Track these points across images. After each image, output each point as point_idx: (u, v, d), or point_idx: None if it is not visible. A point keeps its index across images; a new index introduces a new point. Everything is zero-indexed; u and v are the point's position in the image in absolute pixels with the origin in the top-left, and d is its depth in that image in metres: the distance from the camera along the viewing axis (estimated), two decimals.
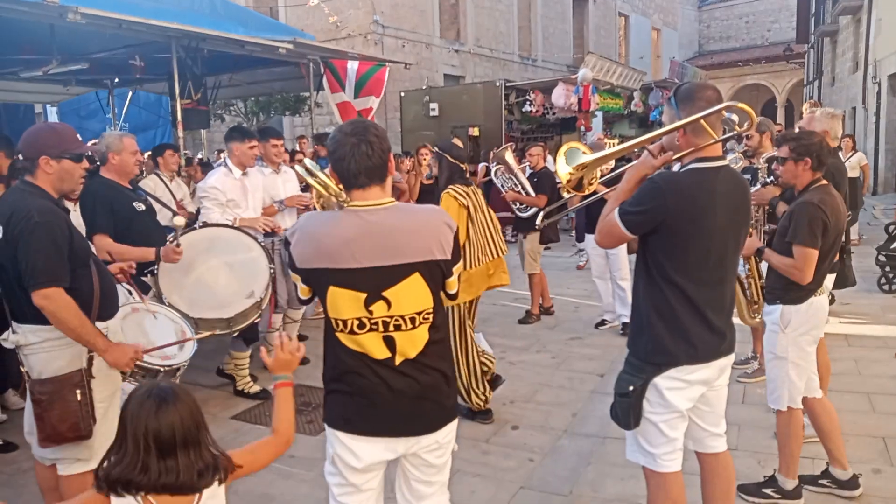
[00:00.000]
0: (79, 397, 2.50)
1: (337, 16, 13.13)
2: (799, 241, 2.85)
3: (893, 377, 4.59)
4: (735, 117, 2.35)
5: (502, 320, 6.39)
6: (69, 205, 3.36)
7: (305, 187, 4.67)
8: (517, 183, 6.12)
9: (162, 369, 2.92)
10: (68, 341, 2.54)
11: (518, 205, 6.13)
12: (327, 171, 2.00)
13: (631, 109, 16.55)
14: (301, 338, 5.34)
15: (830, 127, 3.87)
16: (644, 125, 17.26)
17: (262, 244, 4.21)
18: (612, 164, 3.89)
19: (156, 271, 3.78)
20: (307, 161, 2.02)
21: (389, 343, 1.93)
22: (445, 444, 2.08)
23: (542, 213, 4.88)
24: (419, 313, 1.93)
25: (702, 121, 2.22)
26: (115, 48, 7.18)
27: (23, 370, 2.61)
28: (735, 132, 2.40)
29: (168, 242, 3.91)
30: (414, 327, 1.93)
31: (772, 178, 3.47)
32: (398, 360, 1.94)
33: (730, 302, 2.39)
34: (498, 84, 13.16)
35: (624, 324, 5.70)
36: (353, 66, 8.63)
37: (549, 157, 11.88)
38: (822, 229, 2.85)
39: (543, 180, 6.14)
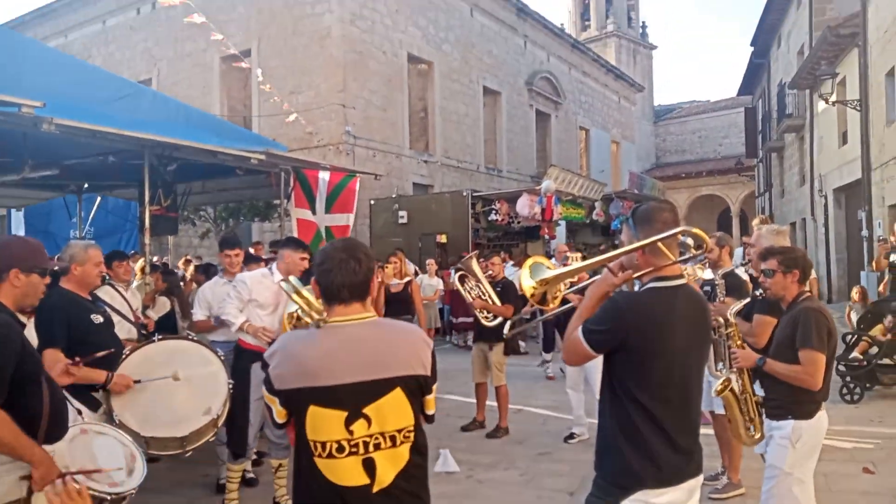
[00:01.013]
0: None
1: (311, 126, 13.59)
2: (809, 345, 2.90)
3: (864, 493, 4.54)
4: (690, 240, 2.43)
5: (468, 435, 6.22)
6: (23, 318, 3.26)
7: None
8: (483, 291, 6.13)
9: (108, 497, 2.74)
10: (8, 468, 2.38)
11: (484, 313, 6.12)
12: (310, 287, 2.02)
13: (593, 218, 17.15)
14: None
15: (777, 243, 4.01)
16: (606, 233, 17.83)
17: (222, 358, 4.10)
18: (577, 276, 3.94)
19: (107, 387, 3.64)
20: (292, 278, 2.06)
21: (369, 466, 1.87)
22: None
23: (508, 324, 4.88)
24: (400, 431, 1.91)
25: (658, 243, 2.30)
26: (87, 155, 7.25)
27: None
28: (691, 255, 2.48)
29: (123, 356, 3.81)
30: (395, 446, 1.90)
31: (760, 291, 3.53)
32: (376, 488, 1.87)
33: (695, 421, 2.37)
34: (465, 194, 13.62)
35: None
36: (324, 176, 8.79)
37: (509, 264, 12.12)
38: (828, 334, 2.94)
39: (508, 290, 6.17)
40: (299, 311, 2.02)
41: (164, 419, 3.72)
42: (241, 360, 4.41)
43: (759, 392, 3.46)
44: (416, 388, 1.95)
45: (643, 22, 40.10)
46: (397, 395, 1.90)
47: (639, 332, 2.22)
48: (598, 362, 5.18)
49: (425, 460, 2.02)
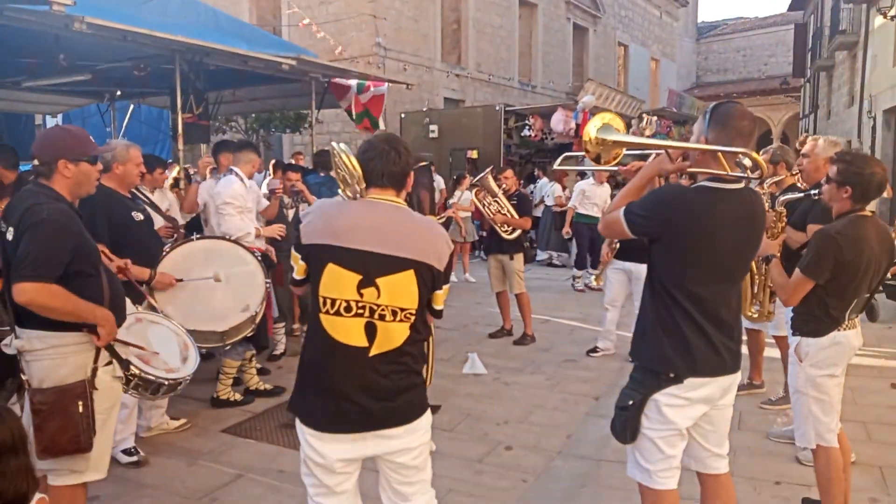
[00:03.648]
0: (80, 409, 2.42)
1: (340, 38, 13.27)
2: (801, 265, 2.78)
3: (890, 407, 4.57)
4: (747, 161, 2.30)
5: (496, 341, 6.36)
6: None
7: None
8: (502, 206, 6.25)
9: (165, 382, 2.88)
10: (74, 349, 2.48)
11: (505, 227, 6.22)
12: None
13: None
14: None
15: None
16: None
17: (259, 259, 4.19)
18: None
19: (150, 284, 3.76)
20: (343, 145, 2.18)
21: (370, 330, 2.01)
22: (417, 448, 2.12)
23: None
24: (403, 310, 2.03)
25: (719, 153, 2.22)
26: (118, 60, 7.22)
27: (23, 378, 2.53)
28: (745, 174, 2.33)
29: (164, 254, 3.91)
30: (395, 321, 2.02)
31: (815, 190, 3.42)
32: (373, 352, 2.01)
33: (734, 320, 2.35)
34: (497, 108, 13.30)
35: None
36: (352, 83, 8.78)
37: (545, 179, 11.96)
38: (833, 264, 2.70)
39: (524, 202, 6.44)
40: (345, 175, 2.10)
41: (205, 315, 3.85)
42: None
43: None
44: (428, 278, 2.06)
45: None
46: (409, 276, 2.02)
47: (679, 230, 2.21)
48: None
49: (422, 345, 2.15)
